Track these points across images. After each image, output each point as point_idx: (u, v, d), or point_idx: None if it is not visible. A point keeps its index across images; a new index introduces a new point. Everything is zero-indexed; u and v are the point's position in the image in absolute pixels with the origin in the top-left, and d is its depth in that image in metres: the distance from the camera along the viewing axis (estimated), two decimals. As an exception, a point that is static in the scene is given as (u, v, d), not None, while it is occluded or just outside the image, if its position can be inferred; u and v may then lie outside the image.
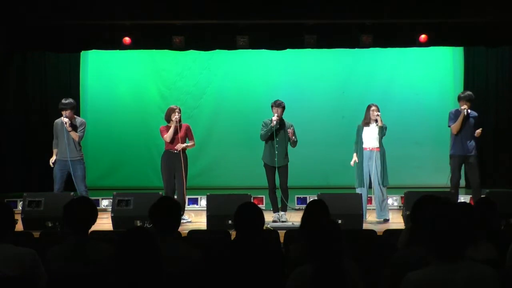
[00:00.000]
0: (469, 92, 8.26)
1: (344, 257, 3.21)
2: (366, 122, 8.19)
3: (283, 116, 8.16)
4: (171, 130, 8.01)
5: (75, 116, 8.12)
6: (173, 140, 8.03)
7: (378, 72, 11.01)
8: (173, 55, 10.30)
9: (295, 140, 8.14)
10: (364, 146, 8.16)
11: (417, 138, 10.90)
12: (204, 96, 11.11)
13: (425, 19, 8.34)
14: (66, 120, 7.90)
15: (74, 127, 7.98)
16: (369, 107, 8.20)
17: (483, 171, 8.73)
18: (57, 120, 8.11)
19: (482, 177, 8.44)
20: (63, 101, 8.00)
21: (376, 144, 8.12)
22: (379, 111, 8.10)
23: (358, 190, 8.08)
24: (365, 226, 7.42)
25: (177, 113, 8.02)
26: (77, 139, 7.97)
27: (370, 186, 8.16)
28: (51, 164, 8.01)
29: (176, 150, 8.01)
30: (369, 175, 8.11)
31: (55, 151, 8.05)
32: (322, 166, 10.85)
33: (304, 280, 3.16)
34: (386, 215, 8.11)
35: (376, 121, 8.05)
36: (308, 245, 3.24)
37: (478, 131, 8.03)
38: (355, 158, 8.21)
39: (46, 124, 9.87)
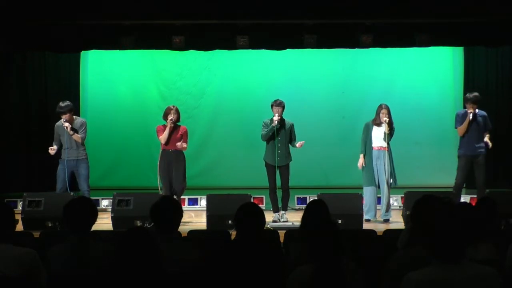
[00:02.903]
0: (475, 94, 8.18)
1: (344, 257, 3.22)
2: (377, 123, 8.17)
3: (283, 115, 8.17)
4: (166, 132, 8.03)
5: (74, 116, 8.14)
6: (168, 142, 8.06)
7: (378, 72, 11.00)
8: (173, 55, 10.29)
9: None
10: (372, 145, 8.15)
11: (417, 138, 10.89)
12: (204, 96, 11.10)
13: (425, 19, 8.33)
14: (66, 124, 7.91)
15: (74, 130, 8.00)
16: (380, 107, 8.17)
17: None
18: (58, 123, 8.12)
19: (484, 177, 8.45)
20: (61, 104, 7.97)
21: (385, 144, 8.12)
22: (388, 115, 8.08)
23: (367, 189, 8.07)
24: (365, 226, 7.42)
25: (172, 114, 8.03)
26: (79, 141, 8.00)
27: (378, 186, 8.17)
28: (50, 151, 7.97)
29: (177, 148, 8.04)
30: (377, 175, 8.11)
31: (55, 147, 8.04)
32: (322, 166, 10.85)
33: (304, 280, 3.16)
34: (389, 215, 8.12)
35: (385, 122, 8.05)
36: (308, 245, 3.25)
37: (487, 141, 8.02)
38: (362, 160, 8.18)
39: (46, 124, 9.89)
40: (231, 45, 8.68)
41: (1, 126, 10.14)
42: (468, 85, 10.51)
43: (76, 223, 3.84)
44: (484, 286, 2.84)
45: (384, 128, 8.06)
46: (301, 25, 8.49)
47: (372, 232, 5.71)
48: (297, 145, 8.14)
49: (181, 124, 8.25)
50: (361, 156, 8.20)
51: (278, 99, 8.17)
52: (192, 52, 9.30)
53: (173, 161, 8.06)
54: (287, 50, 9.09)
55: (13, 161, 10.18)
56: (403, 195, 8.14)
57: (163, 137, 8.05)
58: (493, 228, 4.19)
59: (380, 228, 7.03)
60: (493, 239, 3.99)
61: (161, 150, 8.20)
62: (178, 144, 8.04)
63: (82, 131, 8.05)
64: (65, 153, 8.00)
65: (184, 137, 8.18)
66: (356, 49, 8.98)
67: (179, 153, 8.16)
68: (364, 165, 8.18)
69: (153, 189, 8.70)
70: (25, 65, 10.40)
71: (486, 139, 8.08)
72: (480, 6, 8.09)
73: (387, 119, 8.04)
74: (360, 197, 7.77)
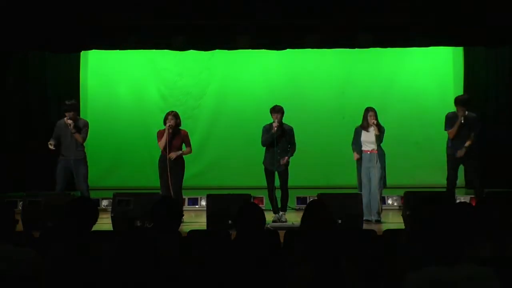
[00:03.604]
0: (465, 96, 8.27)
1: (344, 257, 3.22)
2: (364, 126, 8.19)
3: (282, 120, 8.16)
4: (164, 138, 8.07)
5: (78, 117, 8.18)
6: (168, 148, 8.10)
7: (378, 72, 11.00)
8: (173, 55, 10.28)
9: (293, 151, 8.22)
10: (363, 149, 8.18)
11: (417, 138, 10.88)
12: (204, 96, 11.10)
13: (425, 19, 8.33)
14: (70, 122, 7.95)
15: (77, 128, 8.03)
16: (366, 111, 8.20)
17: (483, 171, 8.73)
18: (60, 121, 8.15)
19: (482, 177, 8.46)
20: (67, 102, 8.09)
21: (375, 147, 8.13)
22: (376, 117, 8.10)
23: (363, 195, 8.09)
24: (365, 226, 7.42)
25: (169, 120, 8.06)
26: (81, 140, 8.04)
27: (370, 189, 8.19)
28: (50, 146, 7.98)
29: (171, 158, 8.05)
30: (370, 177, 8.13)
31: (52, 142, 8.06)
32: (322, 166, 10.84)
33: (304, 280, 3.16)
34: (380, 217, 8.13)
35: (374, 125, 8.06)
36: (308, 245, 3.25)
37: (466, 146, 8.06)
38: (356, 155, 8.19)
39: (46, 124, 9.88)
40: (231, 45, 8.69)
41: (1, 126, 10.13)
42: (468, 86, 10.51)
43: (76, 223, 3.84)
44: (483, 286, 2.84)
45: (373, 132, 8.08)
46: (301, 25, 8.49)
47: (372, 232, 5.71)
48: (281, 161, 8.15)
49: (181, 124, 8.28)
50: (354, 153, 8.25)
51: (277, 105, 8.17)
52: (192, 52, 9.29)
53: (172, 166, 8.09)
54: (287, 50, 9.09)
55: (13, 161, 10.18)
56: (403, 195, 8.14)
57: (161, 143, 8.10)
58: (493, 228, 4.19)
59: (380, 228, 7.04)
60: (493, 239, 3.99)
61: (160, 155, 8.24)
62: (174, 155, 8.07)
63: (84, 131, 8.10)
64: (65, 152, 8.03)
65: (186, 141, 8.23)
66: (356, 49, 8.98)
67: (179, 157, 8.19)
68: (358, 157, 8.18)
69: (153, 189, 8.72)
70: (25, 65, 10.40)
71: (467, 144, 8.10)
72: (480, 6, 8.09)
73: (375, 121, 8.06)
74: (360, 197, 7.78)
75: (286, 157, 8.18)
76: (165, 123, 8.14)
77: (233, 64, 10.99)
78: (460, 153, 8.08)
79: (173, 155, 8.07)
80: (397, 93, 10.91)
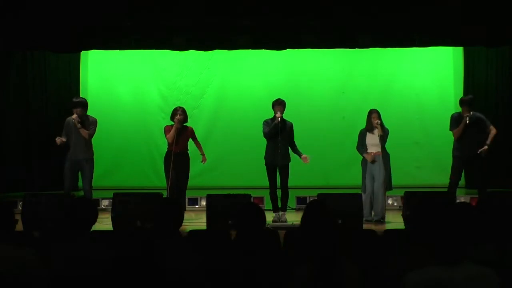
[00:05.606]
0: (470, 96, 8.29)
1: (343, 257, 3.22)
2: (369, 129, 8.22)
3: (283, 116, 8.19)
4: (173, 131, 8.14)
5: (87, 115, 8.21)
6: (176, 143, 8.17)
7: (378, 72, 11.00)
8: (173, 55, 10.29)
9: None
10: (368, 151, 8.21)
11: (417, 138, 10.90)
12: (204, 96, 11.10)
13: (425, 19, 8.33)
14: (74, 116, 7.97)
15: (83, 124, 8.04)
16: (370, 113, 8.23)
17: (486, 170, 8.75)
18: (68, 118, 8.19)
19: (485, 177, 8.46)
20: (74, 99, 8.20)
21: (379, 149, 8.16)
22: (379, 118, 8.13)
23: (364, 196, 8.10)
24: (365, 226, 7.43)
25: (178, 115, 8.17)
26: (86, 136, 8.04)
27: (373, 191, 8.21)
28: (57, 140, 7.98)
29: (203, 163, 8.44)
30: (373, 178, 8.15)
31: (63, 139, 8.08)
32: (322, 166, 10.83)
33: (303, 281, 3.16)
34: (383, 218, 8.14)
35: (378, 125, 8.08)
36: (308, 245, 3.25)
37: (485, 150, 8.07)
38: (367, 155, 8.21)
39: (46, 124, 9.90)
40: (231, 45, 8.69)
41: (1, 126, 10.14)
42: (468, 85, 10.51)
43: (76, 223, 3.84)
44: (483, 286, 2.84)
45: (377, 133, 8.10)
46: (302, 25, 8.49)
47: (372, 232, 5.71)
48: (303, 157, 8.20)
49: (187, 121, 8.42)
50: (364, 154, 8.23)
51: (279, 98, 8.25)
52: (192, 52, 9.30)
53: (178, 162, 8.16)
54: (287, 50, 9.10)
55: (13, 161, 10.18)
56: (403, 195, 8.15)
57: (170, 136, 8.19)
58: (493, 228, 4.19)
59: (380, 228, 7.05)
60: (493, 239, 3.99)
61: (166, 151, 8.30)
62: (201, 150, 8.49)
63: (92, 128, 8.12)
64: (72, 151, 8.04)
65: (193, 137, 8.45)
66: (356, 49, 8.98)
67: (185, 154, 8.27)
68: (372, 155, 8.21)
69: (153, 189, 8.73)
70: (25, 65, 10.40)
71: (489, 141, 8.13)
72: (480, 5, 8.09)
73: (379, 122, 8.08)
74: (360, 197, 7.78)
75: (304, 155, 8.22)
76: (172, 117, 8.23)
77: (233, 64, 10.99)
78: (484, 151, 8.10)
79: (204, 160, 8.55)
80: (397, 93, 10.92)
